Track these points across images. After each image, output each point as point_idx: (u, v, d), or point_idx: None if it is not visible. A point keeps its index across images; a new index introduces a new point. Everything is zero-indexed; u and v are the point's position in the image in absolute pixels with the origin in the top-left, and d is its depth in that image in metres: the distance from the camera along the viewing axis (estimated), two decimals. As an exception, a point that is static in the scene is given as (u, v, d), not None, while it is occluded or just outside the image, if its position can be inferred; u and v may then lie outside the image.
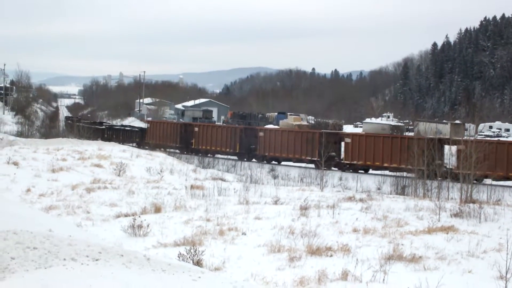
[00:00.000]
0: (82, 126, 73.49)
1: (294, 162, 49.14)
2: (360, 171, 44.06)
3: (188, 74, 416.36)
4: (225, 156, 53.38)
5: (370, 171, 44.71)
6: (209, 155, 52.89)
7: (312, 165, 47.30)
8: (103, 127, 72.92)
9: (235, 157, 52.25)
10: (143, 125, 75.85)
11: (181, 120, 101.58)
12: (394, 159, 43.10)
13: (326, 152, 45.86)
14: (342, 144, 47.40)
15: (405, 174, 39.59)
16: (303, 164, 47.28)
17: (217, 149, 55.37)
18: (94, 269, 8.10)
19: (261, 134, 52.47)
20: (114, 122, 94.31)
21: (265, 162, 49.49)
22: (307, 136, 49.35)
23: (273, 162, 50.11)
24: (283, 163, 49.96)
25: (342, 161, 46.47)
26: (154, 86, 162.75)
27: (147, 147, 56.05)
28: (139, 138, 63.74)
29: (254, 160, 50.97)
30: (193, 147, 56.45)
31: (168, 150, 51.70)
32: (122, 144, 52.89)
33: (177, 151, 54.81)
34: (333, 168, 45.80)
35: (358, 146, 45.20)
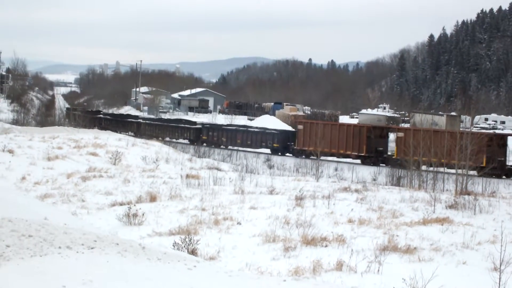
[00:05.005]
0: (144, 124, 66.26)
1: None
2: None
3: (184, 64, 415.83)
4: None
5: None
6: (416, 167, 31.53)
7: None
8: (193, 126, 58.86)
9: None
10: (279, 125, 63.21)
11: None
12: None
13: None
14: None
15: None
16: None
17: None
18: (89, 257, 8.09)
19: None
20: (111, 111, 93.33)
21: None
22: None
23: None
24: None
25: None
26: (151, 75, 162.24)
27: (296, 155, 47.10)
28: (279, 144, 50.28)
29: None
30: (394, 157, 41.04)
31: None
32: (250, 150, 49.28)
33: (358, 160, 44.59)
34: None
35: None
